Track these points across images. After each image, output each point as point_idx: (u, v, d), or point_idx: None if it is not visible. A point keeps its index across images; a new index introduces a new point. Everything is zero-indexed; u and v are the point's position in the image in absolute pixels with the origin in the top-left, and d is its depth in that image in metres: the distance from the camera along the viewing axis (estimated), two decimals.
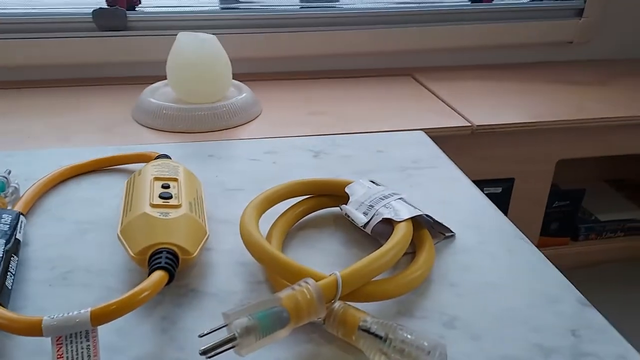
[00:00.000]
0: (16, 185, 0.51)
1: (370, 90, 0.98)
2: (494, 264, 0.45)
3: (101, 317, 0.32)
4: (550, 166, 0.93)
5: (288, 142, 0.69)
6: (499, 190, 0.91)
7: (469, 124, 0.83)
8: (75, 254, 0.44)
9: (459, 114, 0.87)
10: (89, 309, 0.32)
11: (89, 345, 0.32)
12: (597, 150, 0.95)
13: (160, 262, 0.37)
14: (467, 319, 0.38)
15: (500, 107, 0.91)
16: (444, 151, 0.67)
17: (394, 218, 0.44)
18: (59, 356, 0.31)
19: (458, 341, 0.36)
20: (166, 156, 0.55)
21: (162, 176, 0.47)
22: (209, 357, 0.30)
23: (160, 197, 0.44)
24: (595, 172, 1.29)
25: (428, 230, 0.47)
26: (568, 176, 1.19)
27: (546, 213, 1.00)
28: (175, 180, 0.47)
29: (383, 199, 0.47)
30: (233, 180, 0.57)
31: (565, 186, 1.13)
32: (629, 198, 1.26)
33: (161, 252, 0.38)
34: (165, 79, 0.82)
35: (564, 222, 1.13)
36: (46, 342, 0.32)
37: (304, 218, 0.51)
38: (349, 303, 0.36)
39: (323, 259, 0.45)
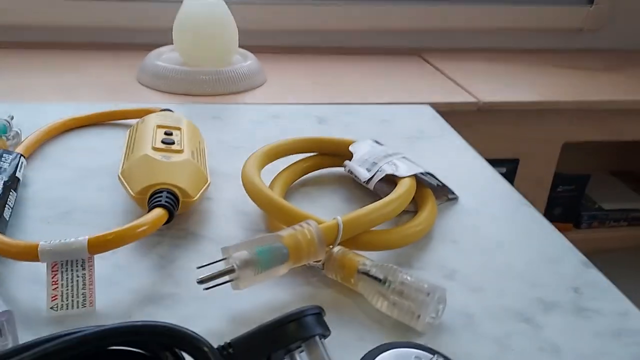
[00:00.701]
0: (18, 130, 0.51)
1: (377, 67, 0.97)
2: (496, 225, 0.44)
3: (98, 245, 0.32)
4: (555, 148, 0.92)
5: (292, 108, 0.68)
6: (504, 170, 0.90)
7: (476, 100, 0.82)
8: (75, 196, 0.44)
9: (465, 90, 0.86)
10: (86, 237, 0.32)
11: (84, 274, 0.32)
12: (604, 135, 0.94)
13: (160, 201, 0.37)
14: (466, 272, 0.38)
15: (507, 86, 0.90)
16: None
17: (396, 174, 0.44)
18: (54, 283, 0.31)
19: (457, 292, 0.36)
20: (170, 110, 0.55)
21: (165, 124, 0.47)
22: (206, 288, 0.30)
23: (163, 142, 0.43)
24: (601, 162, 1.28)
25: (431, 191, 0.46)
26: (573, 164, 1.19)
27: (550, 197, 0.99)
28: (179, 129, 0.47)
29: (387, 157, 0.47)
30: (236, 139, 0.57)
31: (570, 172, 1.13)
32: (634, 189, 1.25)
33: (161, 192, 0.38)
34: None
35: (567, 207, 1.13)
36: (42, 270, 0.32)
37: (306, 175, 0.50)
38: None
39: (324, 214, 0.45)
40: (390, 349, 0.28)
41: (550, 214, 1.10)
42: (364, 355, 0.28)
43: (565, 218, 1.14)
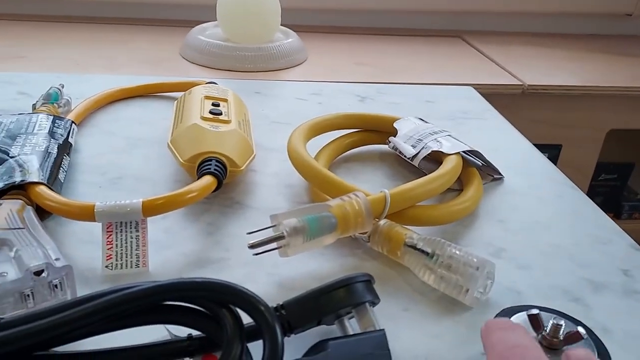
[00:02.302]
0: (68, 99, 0.52)
1: (419, 48, 0.96)
2: (543, 206, 0.44)
3: (151, 209, 0.32)
4: (600, 135, 0.90)
5: (334, 86, 0.68)
6: (546, 156, 0.88)
7: (520, 83, 0.80)
8: (125, 164, 0.45)
9: (509, 73, 0.84)
10: (141, 200, 0.32)
11: (138, 235, 0.32)
12: None
13: (209, 168, 0.37)
14: (514, 251, 0.38)
15: (552, 70, 0.88)
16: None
17: (443, 151, 0.44)
18: (108, 243, 0.32)
19: (505, 269, 0.36)
20: (215, 83, 0.55)
21: (212, 95, 0.47)
22: (256, 254, 0.31)
23: (211, 112, 0.44)
24: None
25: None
26: (617, 152, 1.15)
27: (591, 185, 0.97)
28: (225, 100, 0.47)
29: (432, 134, 0.47)
30: (279, 115, 0.57)
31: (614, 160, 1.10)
32: None
33: (210, 160, 0.38)
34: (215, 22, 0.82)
35: (608, 197, 1.10)
36: (97, 231, 0.32)
37: (349, 152, 0.50)
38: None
39: (368, 190, 0.45)
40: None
41: None
42: (497, 314, 0.28)
43: (606, 208, 1.11)
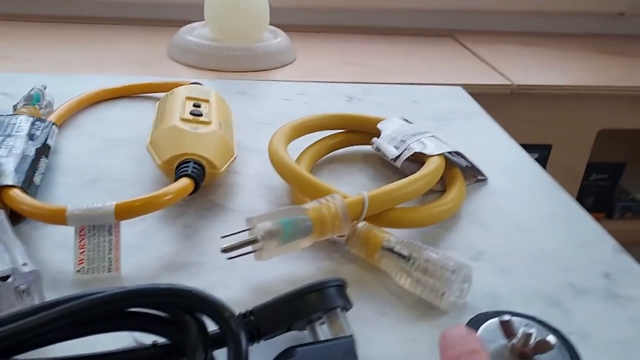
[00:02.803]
0: (50, 100, 0.51)
1: (409, 47, 0.96)
2: (526, 208, 0.43)
3: (125, 212, 0.32)
4: (590, 135, 0.89)
5: (321, 86, 0.68)
6: (535, 156, 0.88)
7: (509, 83, 0.80)
8: (104, 165, 0.44)
9: (499, 72, 0.84)
10: (114, 203, 0.32)
11: (111, 239, 0.32)
12: None
13: (187, 170, 0.37)
14: (494, 254, 0.37)
15: (542, 70, 0.88)
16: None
17: (425, 152, 0.43)
18: (81, 247, 0.31)
19: (484, 273, 0.35)
20: (199, 84, 0.55)
21: (194, 96, 0.47)
22: (230, 258, 0.30)
23: (191, 113, 0.43)
24: (637, 151, 1.24)
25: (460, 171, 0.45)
26: (608, 152, 1.15)
27: (582, 186, 0.97)
28: (207, 101, 0.47)
29: (415, 135, 0.46)
30: (263, 116, 0.57)
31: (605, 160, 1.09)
32: None
33: (188, 162, 0.38)
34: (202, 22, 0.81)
35: (600, 197, 1.10)
36: (69, 234, 0.32)
37: (333, 153, 0.50)
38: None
39: (350, 191, 0.44)
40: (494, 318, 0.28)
41: (582, 203, 1.06)
42: (470, 320, 0.28)
43: (598, 208, 1.11)
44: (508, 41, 1.04)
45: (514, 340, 0.26)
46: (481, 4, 1.09)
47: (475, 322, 0.28)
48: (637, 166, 1.21)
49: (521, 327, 0.26)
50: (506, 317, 0.26)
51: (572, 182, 0.95)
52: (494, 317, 0.28)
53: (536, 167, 0.51)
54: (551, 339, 0.25)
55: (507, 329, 0.26)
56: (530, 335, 0.25)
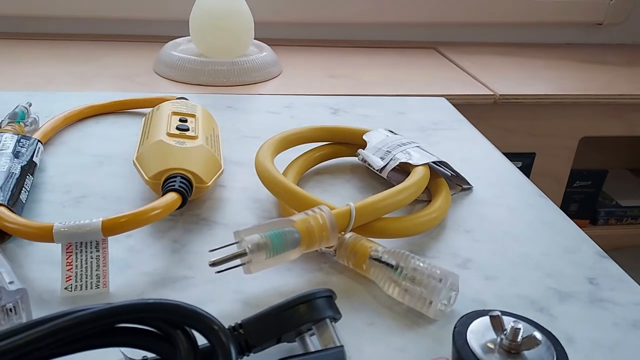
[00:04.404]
0: (36, 117, 0.51)
1: (392, 60, 0.97)
2: (511, 215, 0.44)
3: (112, 228, 0.32)
4: (573, 143, 0.91)
5: (307, 99, 0.68)
6: (519, 164, 0.89)
7: (492, 93, 0.81)
8: (91, 182, 0.44)
9: (482, 83, 0.85)
10: (101, 219, 0.32)
11: (98, 255, 0.32)
12: (624, 130, 0.92)
13: (174, 185, 0.37)
14: (480, 261, 0.38)
15: (524, 80, 0.89)
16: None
17: (410, 162, 0.44)
18: (68, 264, 0.31)
19: (471, 280, 0.36)
20: (185, 99, 0.55)
21: (180, 111, 0.47)
22: (218, 272, 0.30)
23: (178, 128, 0.43)
24: (619, 158, 1.26)
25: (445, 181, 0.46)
26: (591, 159, 1.17)
27: (566, 193, 0.98)
28: (193, 116, 0.47)
29: (401, 146, 0.47)
30: (250, 129, 0.57)
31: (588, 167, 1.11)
32: None
33: (175, 176, 0.38)
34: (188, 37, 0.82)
35: (584, 203, 1.11)
36: (56, 251, 0.32)
37: (320, 164, 0.50)
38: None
39: (337, 203, 0.45)
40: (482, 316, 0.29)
41: (566, 210, 1.08)
42: (460, 318, 0.29)
43: (582, 214, 1.13)
44: (490, 52, 1.06)
45: (503, 335, 0.26)
46: (463, 17, 1.11)
47: (467, 319, 0.29)
48: (619, 173, 1.23)
49: (509, 323, 0.26)
50: (495, 313, 0.27)
51: (556, 189, 0.96)
52: (483, 315, 0.29)
53: (520, 175, 0.51)
54: (537, 334, 0.26)
55: (497, 323, 0.26)
56: (518, 330, 0.26)
